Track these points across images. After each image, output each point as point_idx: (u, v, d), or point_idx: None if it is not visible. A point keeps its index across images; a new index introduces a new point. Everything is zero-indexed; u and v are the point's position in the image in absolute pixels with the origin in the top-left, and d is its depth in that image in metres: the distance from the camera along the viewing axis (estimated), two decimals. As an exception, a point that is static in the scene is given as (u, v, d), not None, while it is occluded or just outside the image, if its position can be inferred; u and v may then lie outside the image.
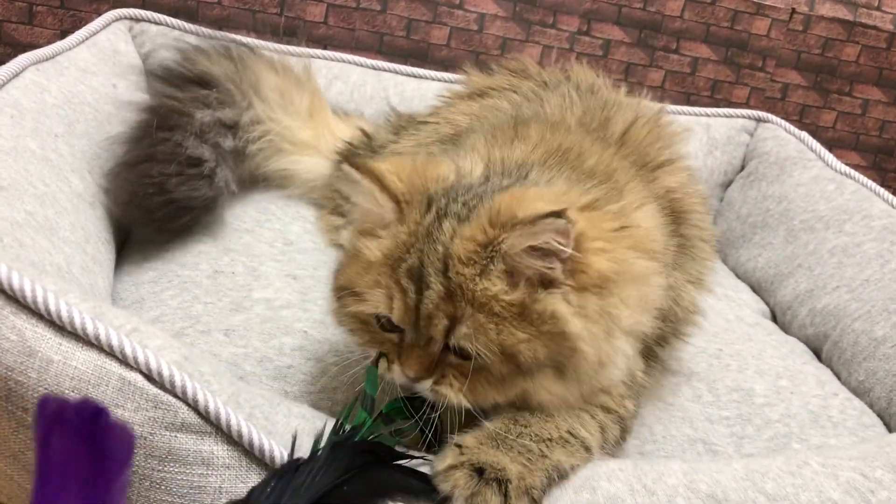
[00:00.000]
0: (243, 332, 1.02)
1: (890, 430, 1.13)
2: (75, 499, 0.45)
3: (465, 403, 0.78)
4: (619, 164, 0.96)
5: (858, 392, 1.21)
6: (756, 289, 1.52)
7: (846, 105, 1.92)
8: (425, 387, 0.78)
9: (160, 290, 1.09)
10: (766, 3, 1.80)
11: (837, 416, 1.13)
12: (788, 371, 1.21)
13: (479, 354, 0.74)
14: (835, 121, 1.93)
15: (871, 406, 1.18)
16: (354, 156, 1.32)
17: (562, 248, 0.73)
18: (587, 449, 0.81)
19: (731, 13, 1.80)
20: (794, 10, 1.81)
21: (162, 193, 1.15)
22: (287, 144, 1.41)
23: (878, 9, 1.83)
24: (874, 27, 1.85)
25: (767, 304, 1.48)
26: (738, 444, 1.05)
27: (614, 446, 0.88)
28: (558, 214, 0.71)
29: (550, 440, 0.79)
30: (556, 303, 0.75)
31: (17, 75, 1.15)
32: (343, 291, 0.82)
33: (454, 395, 0.77)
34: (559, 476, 0.78)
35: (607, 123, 1.05)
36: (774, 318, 1.45)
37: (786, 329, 1.41)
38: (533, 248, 0.73)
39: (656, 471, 0.79)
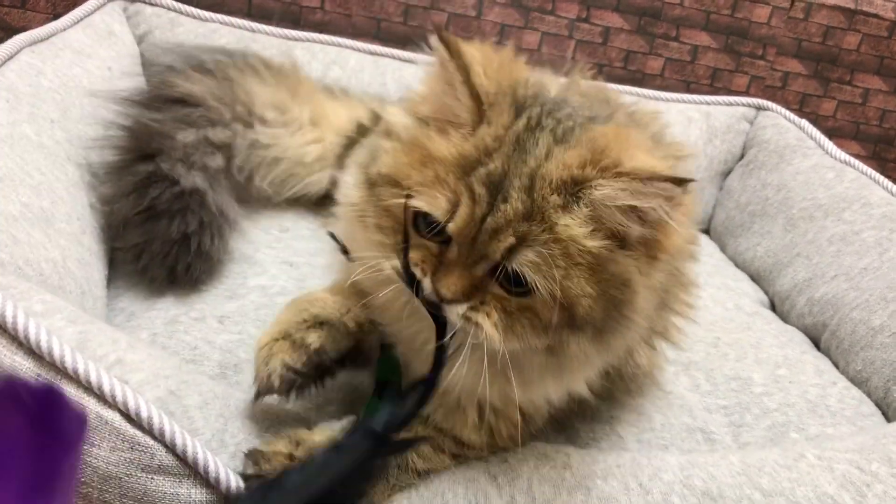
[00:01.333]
0: (238, 318, 1.02)
1: (888, 419, 1.13)
2: (23, 477, 0.44)
3: (496, 342, 0.67)
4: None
5: (856, 381, 1.21)
6: (755, 278, 1.52)
7: (846, 94, 1.91)
8: (458, 312, 0.68)
9: (156, 276, 1.07)
10: (767, -10, 1.79)
11: (835, 405, 1.13)
12: (787, 360, 1.20)
13: (536, 287, 0.66)
14: (835, 110, 1.92)
15: (869, 395, 1.18)
16: (366, 134, 1.23)
17: (665, 217, 0.65)
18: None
19: (731, 1, 1.79)
20: (794, -3, 1.80)
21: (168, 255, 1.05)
22: (299, 169, 1.31)
23: (879, -4, 1.83)
24: (875, 15, 1.84)
25: (766, 293, 1.47)
26: (736, 433, 1.04)
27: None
28: (679, 182, 0.63)
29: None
30: (631, 270, 0.68)
31: (11, 57, 1.13)
32: (383, 180, 0.71)
33: (490, 326, 0.67)
34: None
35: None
36: (773, 308, 1.45)
37: (785, 318, 1.40)
38: (632, 208, 0.65)
39: (653, 466, 0.78)
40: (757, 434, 1.05)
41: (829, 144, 1.57)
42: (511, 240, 0.66)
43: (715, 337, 1.23)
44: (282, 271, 1.14)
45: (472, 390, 0.74)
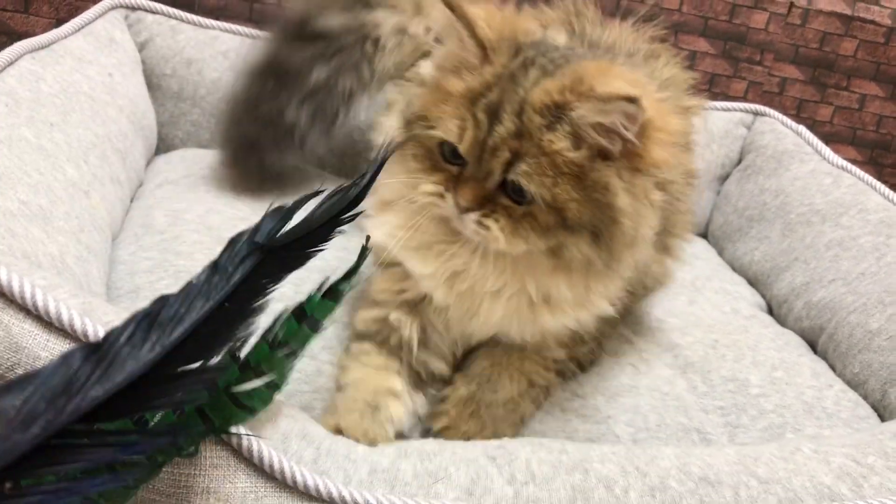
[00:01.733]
0: (237, 321, 1.02)
1: (884, 421, 1.13)
2: None
3: (503, 243, 0.83)
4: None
5: (853, 384, 1.21)
6: (753, 282, 1.52)
7: (843, 100, 1.92)
8: (472, 218, 0.83)
9: (156, 279, 1.08)
10: (765, -4, 1.80)
11: (832, 407, 1.13)
12: (784, 362, 1.21)
13: (531, 195, 0.81)
14: (832, 115, 1.93)
15: (865, 398, 1.18)
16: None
17: (625, 131, 0.79)
18: (547, 390, 0.98)
19: (729, 6, 1.80)
20: (792, 3, 1.81)
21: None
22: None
23: (876, 3, 1.83)
24: (872, 22, 1.85)
25: (764, 297, 1.48)
26: (732, 434, 1.05)
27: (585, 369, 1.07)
28: (632, 99, 0.76)
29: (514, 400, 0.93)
30: (610, 176, 0.82)
31: (12, 63, 1.14)
32: (416, 118, 0.88)
33: (497, 229, 0.83)
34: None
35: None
36: (771, 312, 1.45)
37: (782, 322, 1.41)
38: (599, 124, 0.79)
39: (649, 454, 0.79)
40: (753, 435, 1.05)
41: (827, 150, 1.58)
42: (507, 154, 0.81)
43: (713, 339, 1.23)
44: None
45: (499, 290, 0.90)
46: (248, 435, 0.68)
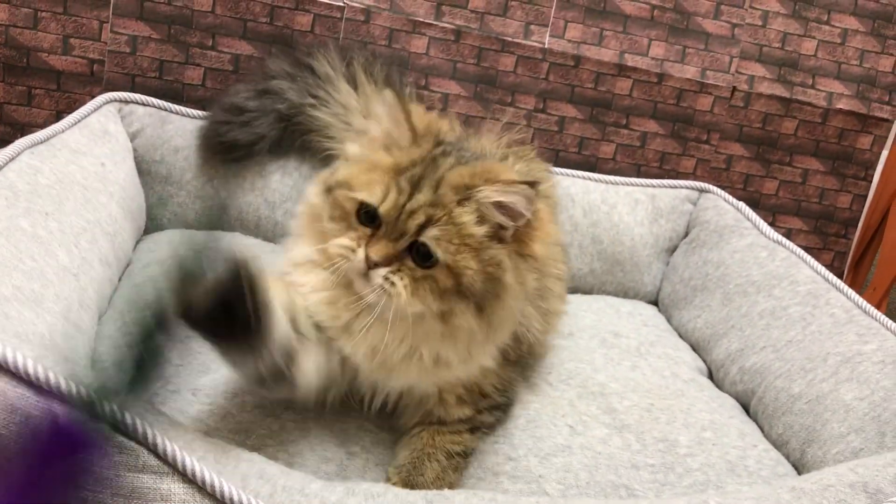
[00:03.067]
0: (209, 391, 1.13)
1: (800, 478, 1.23)
2: None
3: (405, 299, 0.95)
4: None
5: (777, 444, 1.32)
6: (696, 347, 1.63)
7: (787, 174, 2.05)
8: (381, 274, 0.95)
9: (137, 352, 1.20)
10: (709, 81, 1.95)
11: (754, 465, 1.23)
12: (714, 424, 1.31)
13: (437, 257, 0.95)
14: (777, 188, 2.06)
15: (787, 457, 1.29)
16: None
17: (524, 211, 0.96)
18: (464, 455, 1.11)
19: (676, 91, 1.94)
20: (734, 88, 1.96)
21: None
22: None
23: (812, 87, 1.98)
24: (809, 103, 2.00)
25: (705, 361, 1.59)
26: (658, 490, 1.15)
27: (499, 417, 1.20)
28: (532, 185, 0.95)
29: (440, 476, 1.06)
30: (503, 256, 0.98)
31: (13, 159, 1.25)
32: (340, 185, 1.01)
33: (402, 286, 0.95)
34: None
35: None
36: (711, 376, 1.56)
37: (720, 385, 1.51)
38: (500, 204, 0.96)
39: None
40: (678, 491, 1.15)
41: (764, 225, 1.70)
42: (422, 218, 0.95)
43: (649, 403, 1.34)
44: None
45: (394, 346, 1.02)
46: (211, 474, 0.81)
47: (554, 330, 1.36)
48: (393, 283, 0.95)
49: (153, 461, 0.80)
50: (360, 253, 0.96)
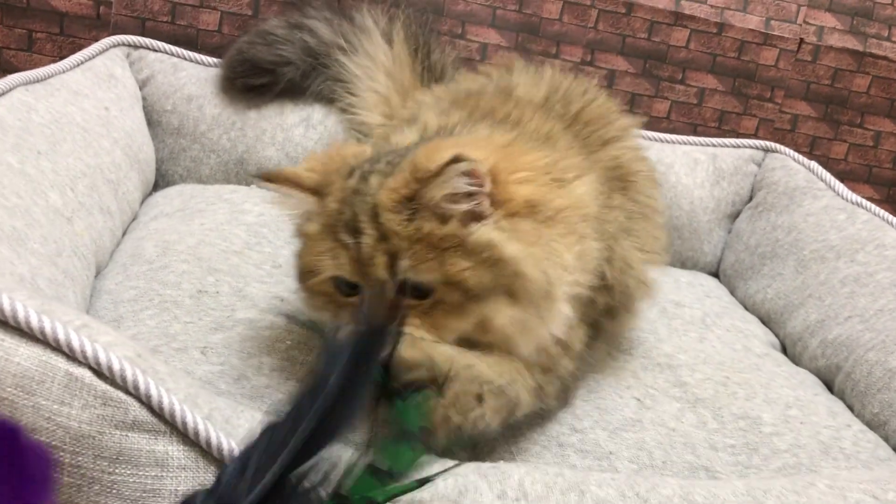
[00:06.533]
0: (221, 349, 0.99)
1: (906, 463, 1.07)
2: None
3: (430, 339, 0.82)
4: (562, 135, 1.02)
5: (873, 425, 1.15)
6: (765, 321, 1.47)
7: (857, 137, 1.88)
8: None
9: (140, 308, 1.05)
10: (774, 33, 1.78)
11: (850, 447, 1.07)
12: (799, 401, 1.15)
13: (427, 283, 0.81)
14: (846, 153, 1.89)
15: (885, 439, 1.12)
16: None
17: (474, 187, 0.80)
18: (516, 406, 0.87)
19: (737, 43, 1.77)
20: (802, 40, 1.79)
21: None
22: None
23: (888, 39, 1.80)
24: (885, 58, 1.82)
25: (777, 335, 1.42)
26: (743, 474, 0.99)
27: (557, 400, 0.96)
28: (457, 159, 0.78)
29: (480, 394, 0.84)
30: (489, 232, 0.81)
31: (4, 94, 1.14)
32: (305, 273, 0.89)
33: (417, 332, 0.82)
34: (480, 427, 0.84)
35: (568, 105, 1.10)
36: (785, 350, 1.40)
37: (796, 361, 1.35)
38: (448, 195, 0.80)
39: (650, 482, 0.74)
40: (765, 476, 0.99)
41: (840, 186, 1.53)
42: (384, 258, 0.81)
43: (724, 376, 1.18)
44: (272, 306, 1.11)
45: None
46: (219, 434, 0.66)
47: (652, 262, 1.13)
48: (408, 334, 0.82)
49: (146, 416, 0.65)
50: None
